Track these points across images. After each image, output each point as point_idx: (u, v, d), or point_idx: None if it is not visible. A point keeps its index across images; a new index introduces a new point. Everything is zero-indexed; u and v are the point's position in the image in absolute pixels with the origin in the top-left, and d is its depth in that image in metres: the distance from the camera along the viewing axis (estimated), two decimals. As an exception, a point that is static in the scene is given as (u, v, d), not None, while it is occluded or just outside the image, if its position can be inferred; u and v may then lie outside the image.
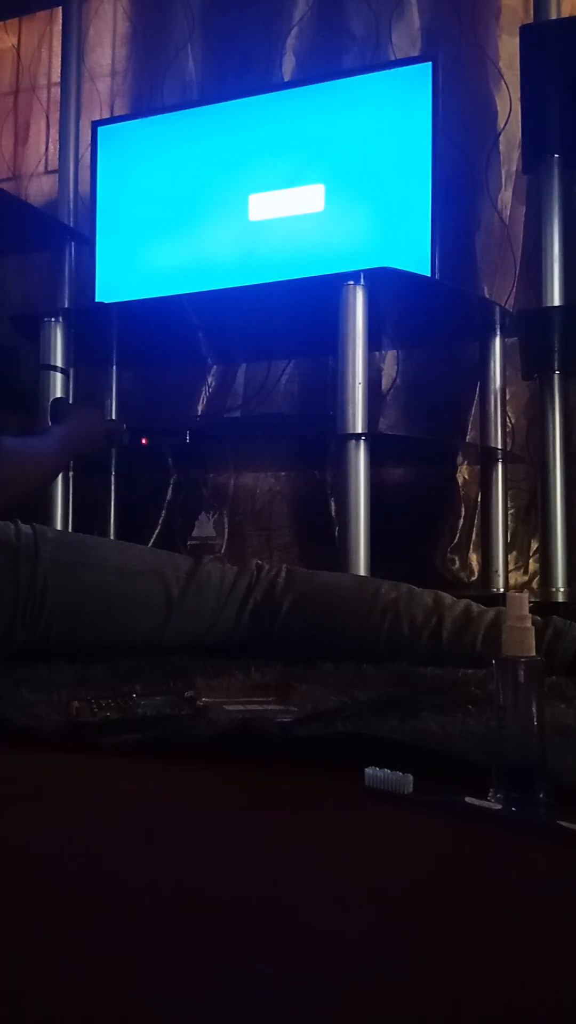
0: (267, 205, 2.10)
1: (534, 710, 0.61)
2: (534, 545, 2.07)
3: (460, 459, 2.12)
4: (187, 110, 2.24)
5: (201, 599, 1.19)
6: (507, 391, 2.03)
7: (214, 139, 2.16)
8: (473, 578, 2.10)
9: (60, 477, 2.00)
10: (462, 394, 2.13)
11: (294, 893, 0.48)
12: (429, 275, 1.93)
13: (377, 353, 2.17)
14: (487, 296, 2.06)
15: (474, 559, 2.12)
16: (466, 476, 2.15)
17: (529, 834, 0.58)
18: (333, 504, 2.14)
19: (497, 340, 1.99)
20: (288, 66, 2.32)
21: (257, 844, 0.56)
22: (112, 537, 2.23)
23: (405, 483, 2.20)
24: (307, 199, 2.07)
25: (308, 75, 2.25)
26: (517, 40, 1.79)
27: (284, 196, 2.09)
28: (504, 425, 2.00)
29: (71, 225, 2.43)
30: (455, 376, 2.15)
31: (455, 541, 2.14)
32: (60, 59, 2.54)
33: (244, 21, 2.36)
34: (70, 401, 2.01)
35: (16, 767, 0.74)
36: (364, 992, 0.38)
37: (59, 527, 2.00)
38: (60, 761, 0.75)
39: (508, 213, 2.13)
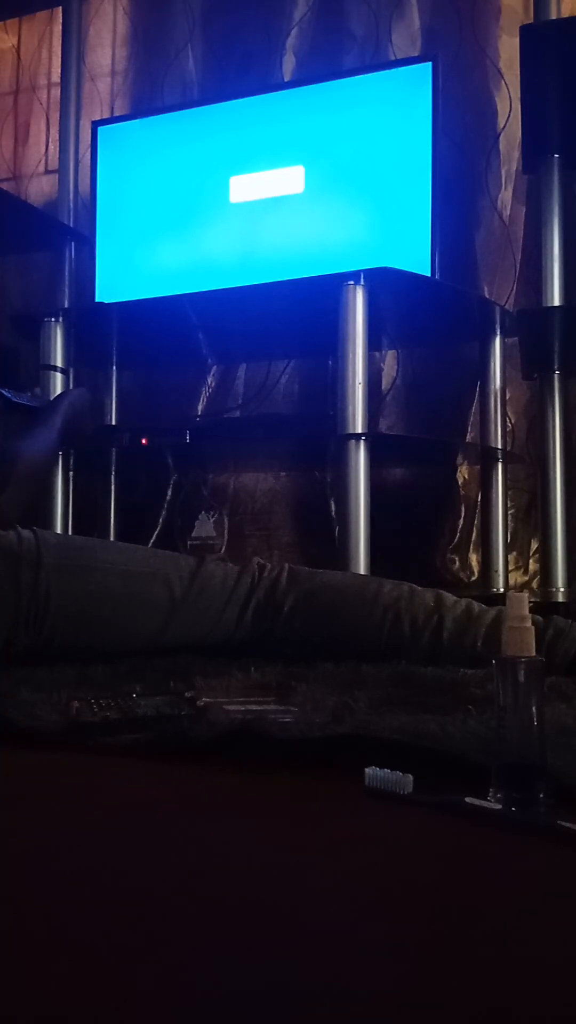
0: (251, 190, 2.12)
1: (534, 710, 0.61)
2: (534, 545, 2.07)
3: (460, 459, 2.12)
4: (187, 110, 2.24)
5: (204, 599, 1.19)
6: (507, 391, 2.03)
7: (214, 139, 2.16)
8: (473, 578, 2.10)
9: (60, 477, 2.00)
10: (462, 394, 2.13)
11: (294, 894, 0.48)
12: (429, 275, 1.93)
13: (377, 353, 2.17)
14: (487, 296, 2.06)
15: (474, 559, 2.12)
16: (466, 476, 2.15)
17: (529, 834, 0.58)
18: (333, 504, 2.14)
19: (497, 340, 1.99)
20: (288, 66, 2.32)
21: (257, 844, 0.56)
22: (112, 537, 2.23)
23: (405, 483, 2.20)
24: (295, 189, 2.08)
25: (308, 75, 2.25)
26: (517, 40, 1.79)
27: (268, 178, 2.10)
28: (504, 425, 2.00)
29: (71, 225, 2.43)
30: (455, 376, 2.15)
31: (455, 541, 2.14)
32: (60, 59, 2.54)
33: (244, 21, 2.36)
34: None
35: (16, 767, 0.74)
36: (364, 994, 0.38)
37: (59, 528, 2.00)
38: (60, 761, 0.75)
39: (508, 213, 2.13)
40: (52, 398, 1.89)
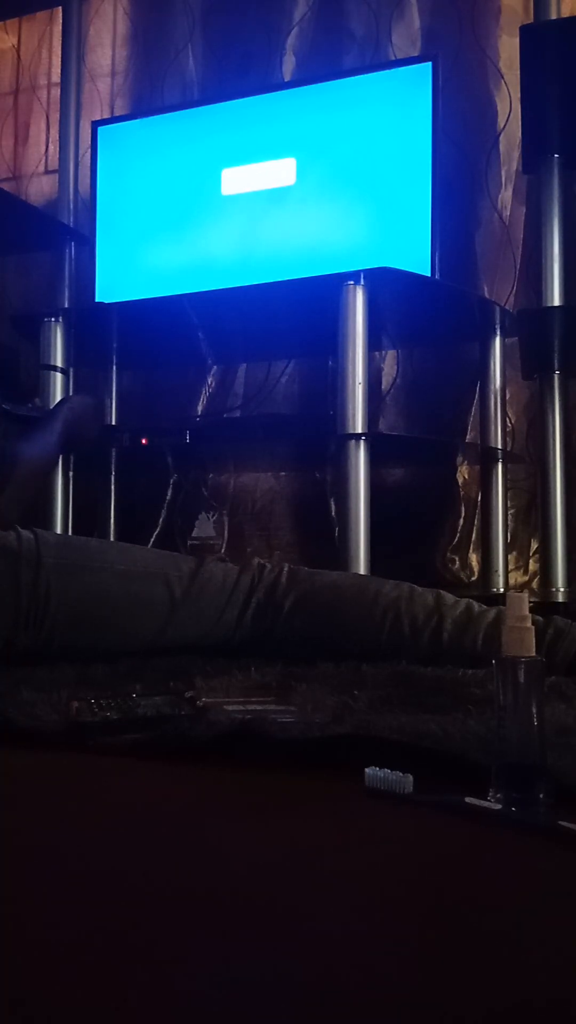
0: (243, 183, 2.12)
1: (534, 710, 0.61)
2: (534, 545, 2.07)
3: (460, 459, 2.12)
4: (187, 110, 2.24)
5: (203, 599, 1.19)
6: (507, 391, 2.03)
7: (214, 139, 2.16)
8: (473, 578, 2.10)
9: (60, 477, 2.00)
10: (462, 394, 2.13)
11: (294, 893, 0.48)
12: (429, 275, 1.93)
13: (377, 353, 2.17)
14: (487, 296, 2.06)
15: (474, 559, 2.12)
16: (466, 476, 2.15)
17: (529, 834, 0.58)
18: (333, 504, 2.14)
19: (497, 340, 1.98)
20: (288, 66, 2.32)
21: (257, 844, 0.56)
22: (112, 537, 2.23)
23: (405, 483, 2.20)
24: (287, 182, 2.08)
25: (308, 75, 2.25)
26: (517, 40, 1.78)
27: (259, 172, 2.10)
28: (504, 425, 2.00)
29: (71, 225, 2.43)
30: (455, 376, 2.15)
31: (455, 541, 2.14)
32: (60, 59, 2.54)
33: (244, 21, 2.36)
34: None
35: (16, 767, 0.74)
36: (364, 993, 0.38)
37: (59, 528, 2.00)
38: (60, 761, 0.75)
39: (508, 213, 2.13)
40: (54, 404, 1.89)
